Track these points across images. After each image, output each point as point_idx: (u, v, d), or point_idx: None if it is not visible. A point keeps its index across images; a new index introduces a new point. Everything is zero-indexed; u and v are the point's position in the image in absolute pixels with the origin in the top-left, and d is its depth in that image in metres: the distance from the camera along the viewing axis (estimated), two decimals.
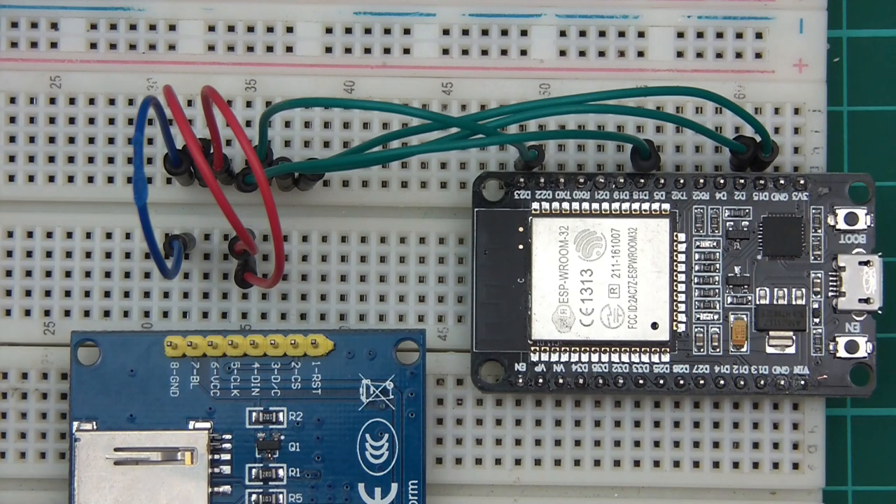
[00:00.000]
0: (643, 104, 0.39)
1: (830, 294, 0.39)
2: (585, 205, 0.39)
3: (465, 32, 0.40)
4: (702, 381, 0.39)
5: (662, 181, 0.39)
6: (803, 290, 0.39)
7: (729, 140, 0.39)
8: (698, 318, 0.39)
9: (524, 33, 0.40)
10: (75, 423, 0.38)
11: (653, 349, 0.39)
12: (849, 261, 0.39)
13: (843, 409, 0.41)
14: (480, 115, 0.36)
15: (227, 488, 0.38)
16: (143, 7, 0.40)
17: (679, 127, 0.40)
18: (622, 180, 0.39)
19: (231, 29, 0.40)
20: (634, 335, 0.39)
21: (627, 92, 0.36)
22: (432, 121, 0.36)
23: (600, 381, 0.39)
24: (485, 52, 0.40)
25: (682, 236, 0.39)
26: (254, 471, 0.38)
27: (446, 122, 0.36)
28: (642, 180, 0.39)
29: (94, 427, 0.38)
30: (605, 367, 0.39)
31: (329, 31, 0.40)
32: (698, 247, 0.39)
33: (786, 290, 0.39)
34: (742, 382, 0.39)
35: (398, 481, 0.38)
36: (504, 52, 0.40)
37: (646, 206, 0.39)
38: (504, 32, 0.40)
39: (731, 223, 0.39)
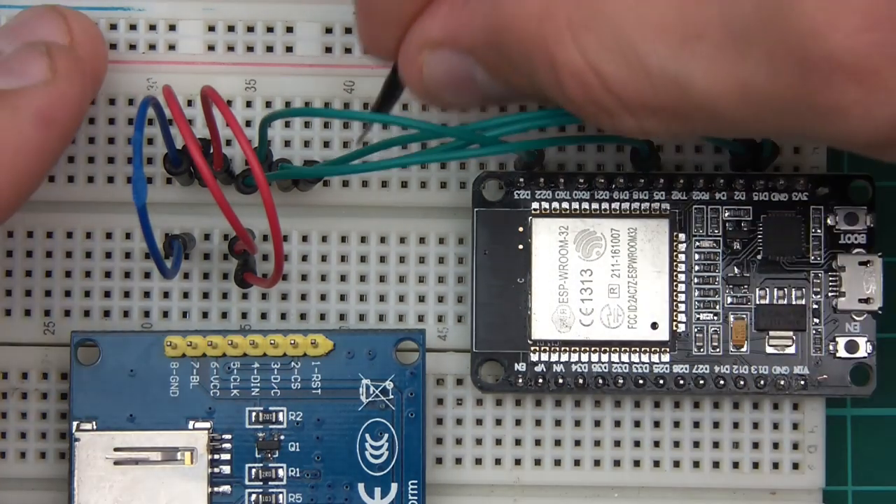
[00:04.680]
0: None
1: (830, 294, 0.39)
2: (585, 205, 0.39)
3: None
4: (702, 381, 0.39)
5: (662, 181, 0.39)
6: (803, 290, 0.39)
7: (729, 141, 0.39)
8: (698, 318, 0.39)
9: None
10: (75, 423, 0.38)
11: (653, 349, 0.39)
12: (849, 261, 0.39)
13: (843, 409, 0.41)
14: (479, 124, 0.35)
15: (226, 488, 0.38)
16: (143, 7, 0.40)
17: None
18: (622, 180, 0.39)
19: (231, 29, 0.40)
20: (634, 335, 0.39)
21: None
22: (432, 132, 0.36)
23: (600, 381, 0.39)
24: None
25: (682, 236, 0.39)
26: (253, 471, 0.38)
27: (445, 134, 0.36)
28: (642, 180, 0.39)
29: (94, 427, 0.38)
30: (605, 367, 0.39)
31: (329, 31, 0.40)
32: (698, 247, 0.39)
33: (786, 290, 0.39)
34: (742, 382, 0.39)
35: (398, 481, 0.38)
36: None
37: (646, 206, 0.39)
38: None
39: (731, 223, 0.39)
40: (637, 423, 0.40)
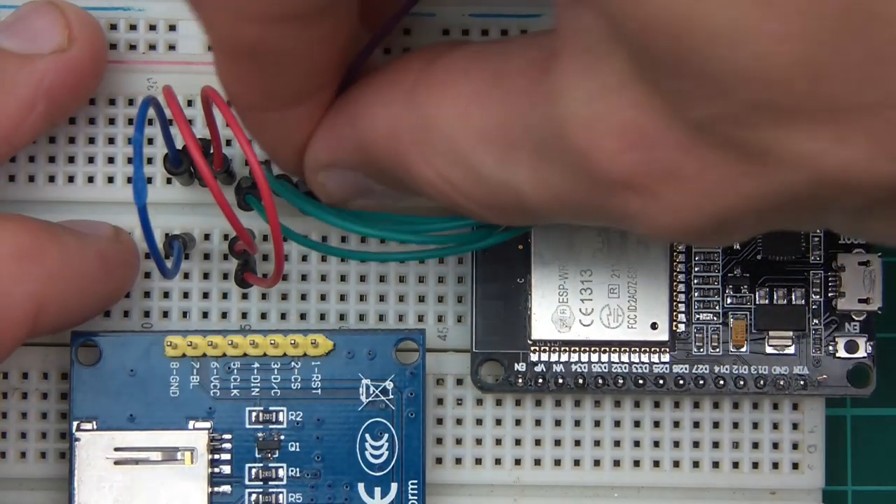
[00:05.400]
0: None
1: (830, 294, 0.39)
2: None
3: (465, 32, 0.40)
4: (701, 381, 0.39)
5: None
6: (803, 290, 0.39)
7: None
8: (698, 318, 0.39)
9: (524, 33, 0.40)
10: (75, 423, 0.38)
11: (652, 349, 0.39)
12: (849, 261, 0.39)
13: (842, 409, 0.41)
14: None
15: (226, 488, 0.38)
16: (143, 7, 0.40)
17: None
18: None
19: None
20: (634, 335, 0.39)
21: None
22: (428, 241, 0.36)
23: (600, 381, 0.39)
24: None
25: None
26: (254, 471, 0.38)
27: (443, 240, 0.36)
28: None
29: (94, 427, 0.38)
30: (605, 367, 0.39)
31: None
32: (698, 247, 0.39)
33: (786, 290, 0.39)
34: (742, 382, 0.39)
35: (398, 481, 0.38)
36: None
37: None
38: (504, 32, 0.40)
39: None
40: (637, 423, 0.40)
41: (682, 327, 0.39)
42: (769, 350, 0.39)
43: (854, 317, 0.39)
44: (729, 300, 0.39)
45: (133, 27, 0.40)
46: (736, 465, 0.40)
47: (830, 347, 0.39)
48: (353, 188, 0.34)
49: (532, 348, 0.39)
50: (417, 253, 0.37)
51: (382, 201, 0.35)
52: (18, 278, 0.35)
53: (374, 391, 0.38)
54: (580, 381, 0.39)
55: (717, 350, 0.39)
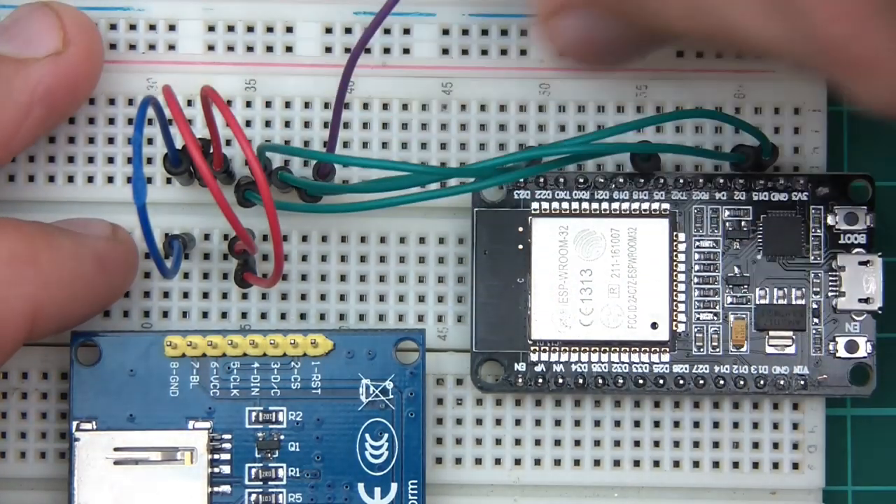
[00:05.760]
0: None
1: (830, 294, 0.39)
2: (585, 205, 0.39)
3: (465, 32, 0.40)
4: (702, 381, 0.39)
5: (662, 181, 0.39)
6: (803, 290, 0.39)
7: (728, 154, 0.39)
8: (698, 318, 0.39)
9: (524, 33, 0.40)
10: (75, 423, 0.38)
11: (652, 349, 0.39)
12: (849, 261, 0.39)
13: (843, 409, 0.41)
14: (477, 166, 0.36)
15: (226, 488, 0.38)
16: (143, 7, 0.40)
17: (679, 127, 0.40)
18: (622, 180, 0.39)
19: (231, 29, 0.40)
20: (634, 335, 0.39)
21: (627, 126, 0.37)
22: (430, 174, 0.36)
23: (600, 380, 0.39)
24: (485, 53, 0.40)
25: (681, 236, 0.39)
26: (253, 470, 0.38)
27: (444, 175, 0.36)
28: (642, 180, 0.39)
29: (94, 427, 0.38)
30: (605, 367, 0.39)
31: (329, 31, 0.40)
32: (698, 247, 0.39)
33: (786, 290, 0.39)
34: (742, 382, 0.39)
35: (398, 481, 0.38)
36: (504, 52, 0.40)
37: (645, 206, 0.39)
38: (504, 32, 0.40)
39: (731, 223, 0.39)
40: (637, 423, 0.40)
41: (682, 327, 0.39)
42: (769, 350, 0.39)
43: (854, 317, 0.39)
44: (729, 300, 0.39)
45: (133, 27, 0.40)
46: (736, 465, 0.40)
47: (830, 347, 0.39)
48: (589, 36, 0.35)
49: (532, 348, 0.39)
50: (422, 193, 0.36)
51: (623, 51, 0.36)
52: (14, 283, 0.35)
53: (373, 391, 0.38)
54: (580, 381, 0.39)
55: (717, 350, 0.39)
